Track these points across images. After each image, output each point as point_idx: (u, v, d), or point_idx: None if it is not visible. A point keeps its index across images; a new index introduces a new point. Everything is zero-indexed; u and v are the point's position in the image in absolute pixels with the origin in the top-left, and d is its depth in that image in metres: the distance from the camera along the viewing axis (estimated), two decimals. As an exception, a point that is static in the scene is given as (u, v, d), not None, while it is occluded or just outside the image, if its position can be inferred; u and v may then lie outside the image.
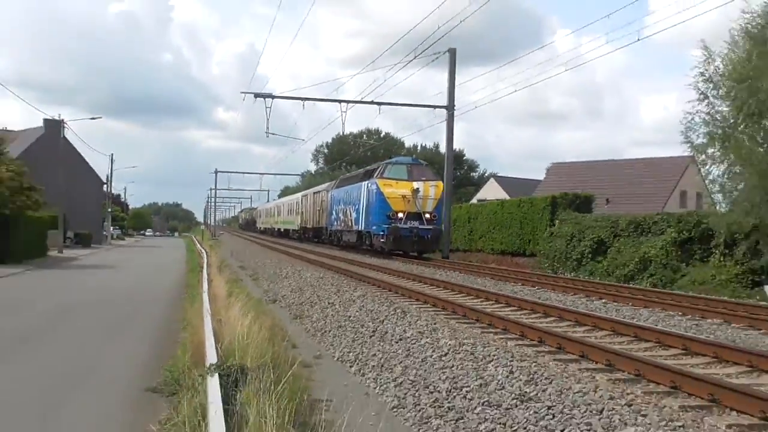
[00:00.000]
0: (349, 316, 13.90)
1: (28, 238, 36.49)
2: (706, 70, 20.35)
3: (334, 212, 41.32)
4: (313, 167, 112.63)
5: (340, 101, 36.78)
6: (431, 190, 31.20)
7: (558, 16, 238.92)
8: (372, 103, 37.05)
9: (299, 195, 59.49)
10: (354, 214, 35.39)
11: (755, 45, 19.26)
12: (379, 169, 33.03)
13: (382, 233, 30.30)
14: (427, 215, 30.51)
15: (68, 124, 51.77)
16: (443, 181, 33.57)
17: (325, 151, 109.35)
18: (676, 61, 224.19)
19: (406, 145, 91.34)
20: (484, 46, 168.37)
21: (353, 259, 28.05)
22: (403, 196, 30.36)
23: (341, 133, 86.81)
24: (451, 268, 25.23)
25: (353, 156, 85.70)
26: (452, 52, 34.55)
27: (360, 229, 34.15)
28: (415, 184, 30.69)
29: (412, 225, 30.02)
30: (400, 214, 30.03)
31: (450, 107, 34.92)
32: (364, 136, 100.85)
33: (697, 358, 8.78)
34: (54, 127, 53.39)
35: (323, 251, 36.04)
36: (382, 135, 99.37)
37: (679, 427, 5.77)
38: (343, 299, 16.00)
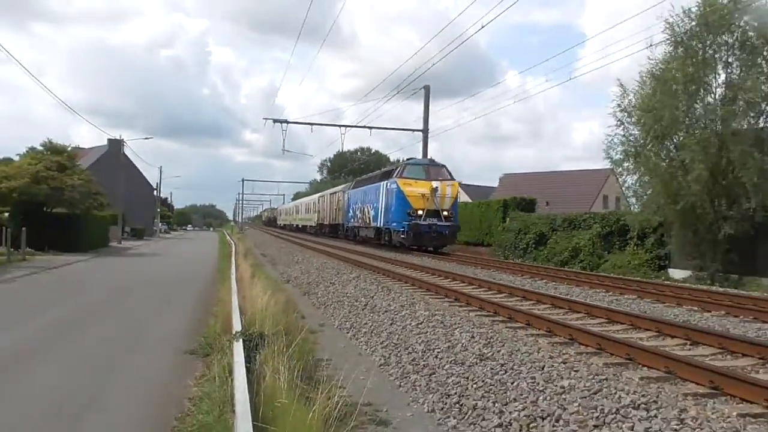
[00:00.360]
0: (347, 293, 13.79)
1: (94, 231, 36.31)
2: (622, 102, 20.40)
3: (351, 210, 35.94)
4: (319, 177, 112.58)
5: (340, 126, 36.75)
6: (448, 189, 26.34)
7: (508, 60, 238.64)
8: (365, 127, 37.14)
9: (316, 196, 53.36)
10: (372, 212, 30.31)
11: (658, 84, 19.35)
12: (398, 170, 27.85)
13: (402, 229, 25.60)
14: (445, 212, 25.69)
15: (127, 143, 51.41)
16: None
17: (328, 164, 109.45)
18: (599, 96, 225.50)
19: (392, 159, 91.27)
20: (451, 84, 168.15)
21: (356, 250, 27.28)
22: (423, 195, 25.55)
23: (341, 150, 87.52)
24: (426, 255, 25.14)
25: (350, 168, 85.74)
26: (427, 89, 34.44)
27: (378, 225, 29.19)
28: (434, 184, 25.86)
29: (431, 222, 25.33)
30: (420, 212, 25.30)
31: (425, 131, 34.81)
32: (359, 152, 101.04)
33: (617, 326, 8.73)
34: (116, 145, 53.00)
35: (335, 244, 33.45)
36: (372, 152, 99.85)
37: (603, 379, 5.72)
38: (342, 280, 15.88)
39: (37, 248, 28.33)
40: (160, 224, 77.77)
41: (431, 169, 27.40)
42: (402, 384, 7.22)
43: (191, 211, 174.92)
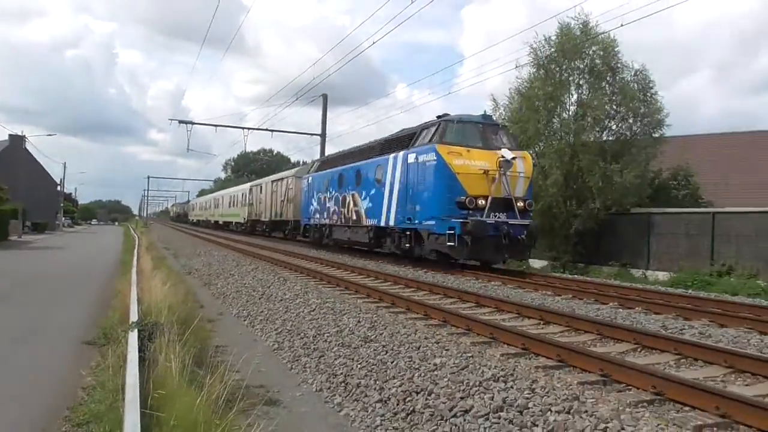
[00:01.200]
0: (245, 284, 13.43)
1: (-7, 226, 33.22)
2: (494, 115, 21.30)
3: (315, 202, 23.30)
4: (223, 175, 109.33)
5: (243, 128, 35.84)
6: (520, 164, 14.56)
7: (398, 74, 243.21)
8: (267, 130, 36.75)
9: (247, 186, 41.19)
10: (366, 204, 18.16)
11: (524, 100, 20.42)
12: (433, 131, 15.10)
13: (450, 232, 13.61)
14: (520, 203, 14.36)
15: (29, 138, 47.52)
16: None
17: (232, 163, 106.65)
18: (476, 109, 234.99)
19: (293, 161, 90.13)
20: (347, 93, 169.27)
21: (253, 242, 26.56)
22: (485, 173, 13.93)
23: (244, 151, 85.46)
24: (320, 247, 24.84)
25: (253, 167, 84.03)
26: (325, 97, 34.48)
27: (381, 224, 17.10)
28: (504, 153, 14.20)
29: (499, 219, 13.88)
30: (481, 201, 13.85)
31: (323, 135, 34.79)
32: (261, 153, 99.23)
33: (484, 309, 9.02)
34: (17, 141, 48.93)
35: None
36: (274, 153, 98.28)
37: (470, 357, 5.90)
38: (241, 271, 15.45)
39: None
40: (63, 219, 72.45)
41: (489, 130, 15.18)
42: (293, 366, 7.13)
43: (96, 207, 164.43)
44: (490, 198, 13.94)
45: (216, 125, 35.85)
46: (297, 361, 7.24)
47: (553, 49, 20.14)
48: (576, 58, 19.84)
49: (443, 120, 15.22)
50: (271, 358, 7.55)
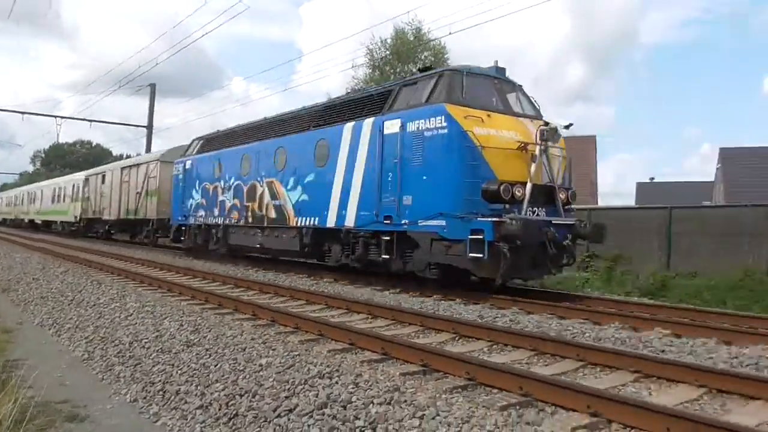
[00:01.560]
0: (52, 289, 12.07)
1: None
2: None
3: (198, 194, 17.80)
4: (31, 168, 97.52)
5: (55, 116, 32.56)
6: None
7: (233, 67, 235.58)
8: (84, 119, 34.05)
9: (81, 175, 32.43)
10: (297, 195, 13.04)
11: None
12: (431, 85, 9.99)
13: (475, 236, 8.81)
14: (562, 194, 10.07)
15: None
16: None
17: (42, 155, 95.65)
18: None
19: (114, 153, 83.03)
20: (178, 84, 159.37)
21: (71, 245, 23.89)
22: (522, 148, 9.41)
23: (57, 142, 77.18)
24: (147, 248, 23.24)
25: (68, 160, 76.38)
26: (152, 86, 32.70)
27: (326, 224, 12.07)
28: (552, 120, 9.99)
29: (540, 217, 9.49)
30: (518, 191, 9.18)
31: (149, 127, 32.85)
32: (78, 145, 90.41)
33: (315, 306, 9.06)
34: None
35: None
36: (93, 145, 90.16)
37: (297, 355, 5.88)
38: (48, 275, 13.87)
39: None
40: None
41: (506, 88, 10.82)
42: (105, 377, 6.54)
43: None
44: (529, 186, 9.45)
45: (23, 112, 32.84)
46: (110, 371, 6.66)
47: (388, 52, 20.94)
48: (409, 62, 20.82)
49: (448, 70, 10.36)
50: (79, 369, 6.86)
